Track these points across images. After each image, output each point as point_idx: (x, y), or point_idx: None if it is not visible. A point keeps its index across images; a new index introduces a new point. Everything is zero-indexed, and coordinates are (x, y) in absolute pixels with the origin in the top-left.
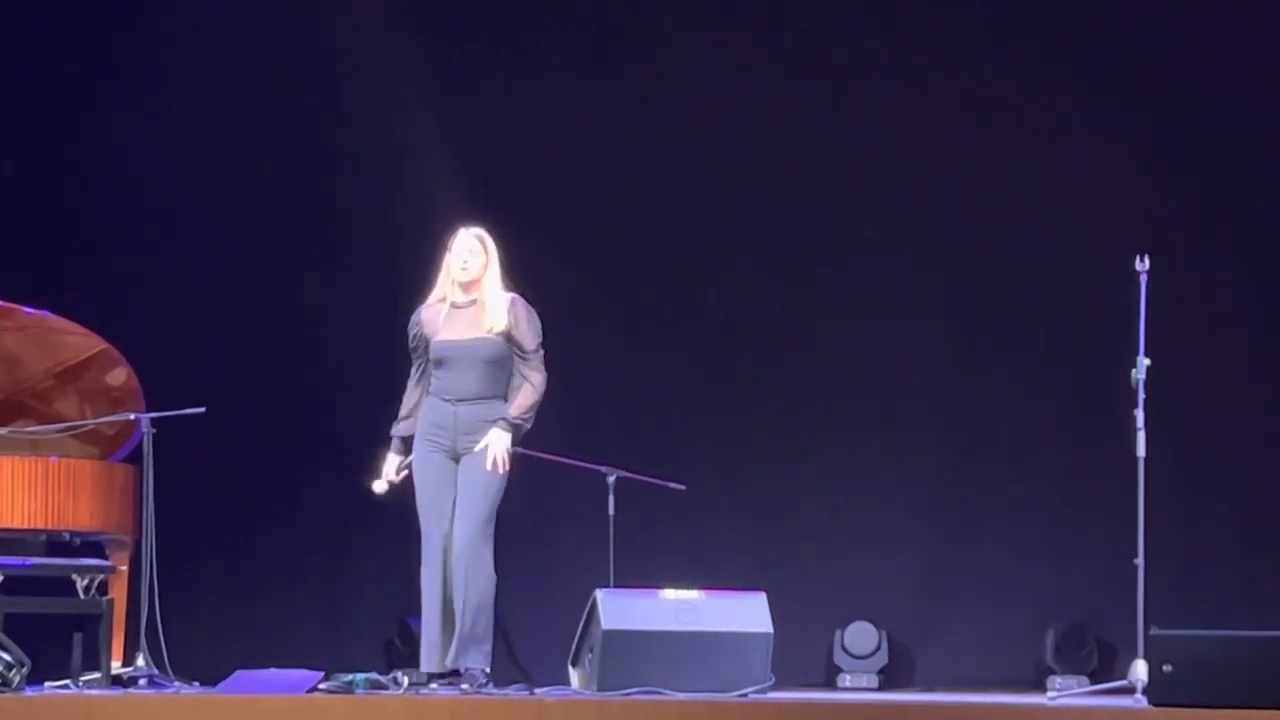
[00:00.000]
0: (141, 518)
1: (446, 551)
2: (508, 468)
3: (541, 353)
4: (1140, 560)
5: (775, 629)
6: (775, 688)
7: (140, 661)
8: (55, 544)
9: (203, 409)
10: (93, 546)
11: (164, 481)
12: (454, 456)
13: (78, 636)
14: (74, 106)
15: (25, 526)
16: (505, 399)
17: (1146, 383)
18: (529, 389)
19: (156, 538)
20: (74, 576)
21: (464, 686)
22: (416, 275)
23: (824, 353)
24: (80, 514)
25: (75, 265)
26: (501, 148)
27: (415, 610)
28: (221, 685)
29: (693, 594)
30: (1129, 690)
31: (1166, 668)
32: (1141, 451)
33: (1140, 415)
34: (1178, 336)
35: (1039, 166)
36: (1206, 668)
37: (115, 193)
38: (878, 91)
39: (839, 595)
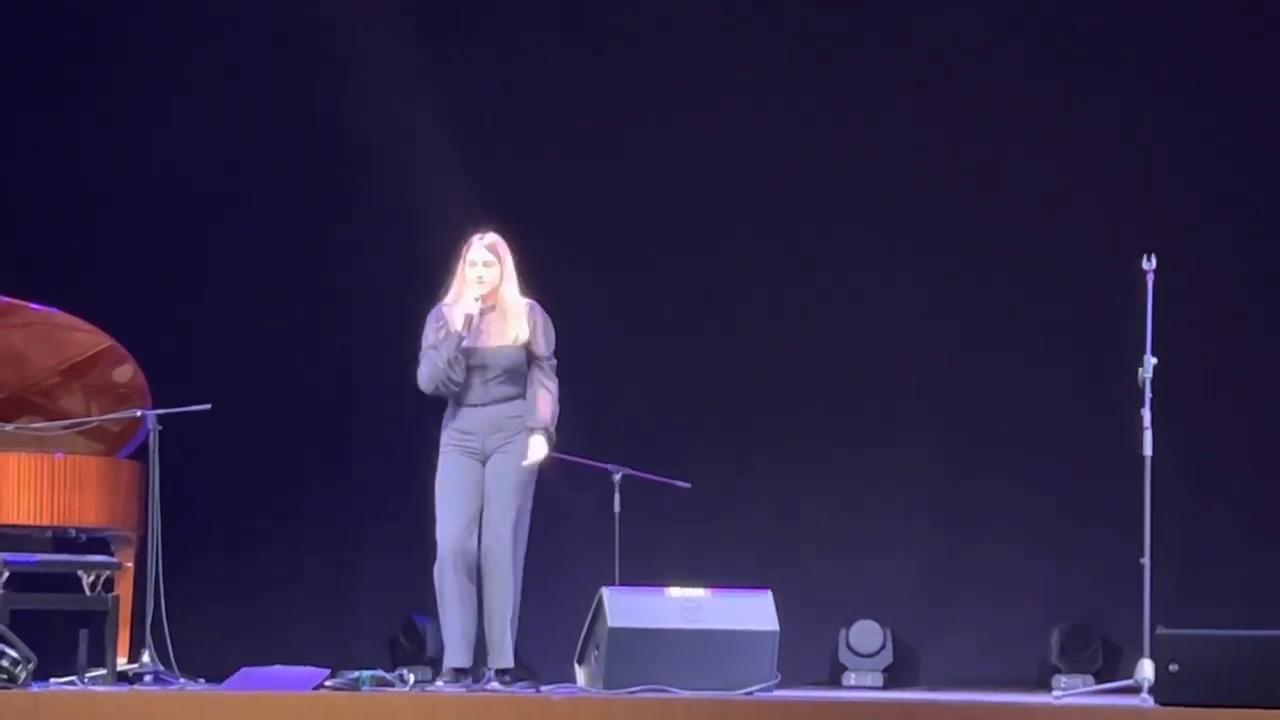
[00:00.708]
0: (147, 514)
1: (464, 550)
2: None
3: (554, 361)
4: (1146, 559)
5: (781, 627)
6: (780, 686)
7: (146, 658)
8: (61, 540)
9: (208, 406)
10: (98, 543)
11: (169, 478)
12: (482, 459)
13: (83, 633)
14: (80, 104)
15: (31, 523)
16: (524, 399)
17: (1154, 382)
18: (549, 396)
19: (162, 534)
20: (80, 573)
21: (494, 685)
22: (424, 275)
23: (829, 353)
24: (86, 510)
25: (81, 262)
26: (508, 149)
27: (420, 608)
28: (227, 682)
29: (699, 592)
30: (1135, 689)
31: (1173, 667)
32: (1148, 451)
33: (1147, 414)
34: (1182, 336)
35: (1041, 167)
36: (1212, 667)
37: (121, 190)
38: (879, 93)
39: (844, 594)
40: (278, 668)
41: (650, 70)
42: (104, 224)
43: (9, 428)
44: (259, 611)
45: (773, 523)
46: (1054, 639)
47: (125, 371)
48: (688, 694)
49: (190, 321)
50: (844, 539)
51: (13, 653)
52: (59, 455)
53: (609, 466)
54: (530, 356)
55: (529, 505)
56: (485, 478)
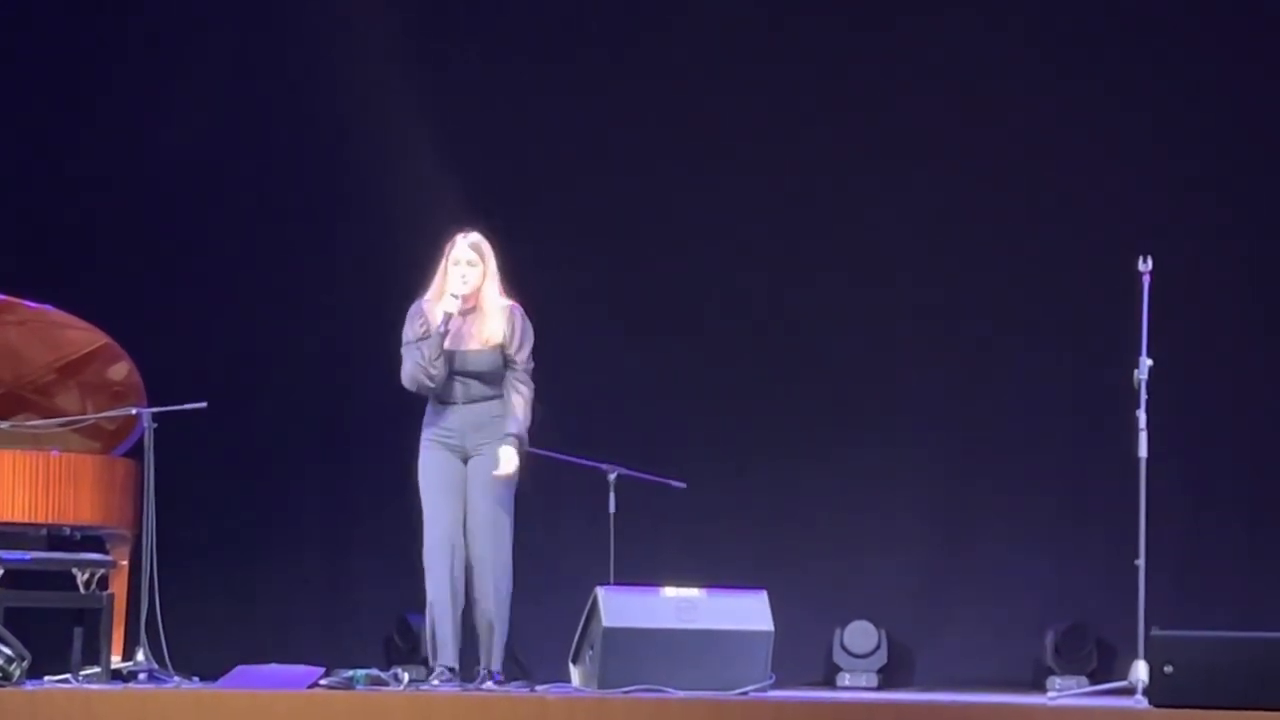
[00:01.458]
0: (142, 512)
1: (452, 547)
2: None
3: (531, 364)
4: (1141, 561)
5: (776, 627)
6: (775, 686)
7: (140, 656)
8: (56, 538)
9: (204, 404)
10: (93, 541)
11: (165, 476)
12: (463, 456)
13: (78, 631)
14: (76, 102)
15: (26, 520)
16: (503, 399)
17: (1149, 383)
18: (522, 401)
19: (157, 533)
20: (74, 571)
21: (488, 685)
22: (420, 275)
23: (825, 352)
24: (81, 508)
25: (77, 260)
26: (504, 148)
27: (414, 607)
28: (222, 681)
29: (694, 592)
30: (1129, 691)
31: (1168, 669)
32: (1143, 452)
33: (1142, 416)
34: (1178, 337)
35: (1040, 168)
36: (1207, 669)
37: (117, 188)
38: (878, 94)
39: (839, 594)
40: (272, 666)
41: (651, 70)
42: (100, 222)
43: (4, 425)
44: (254, 610)
45: (768, 523)
46: (1049, 640)
47: (121, 369)
48: (682, 694)
49: (186, 320)
50: (839, 539)
51: (7, 650)
52: (54, 453)
53: (604, 466)
54: (505, 360)
55: (511, 505)
56: (467, 476)
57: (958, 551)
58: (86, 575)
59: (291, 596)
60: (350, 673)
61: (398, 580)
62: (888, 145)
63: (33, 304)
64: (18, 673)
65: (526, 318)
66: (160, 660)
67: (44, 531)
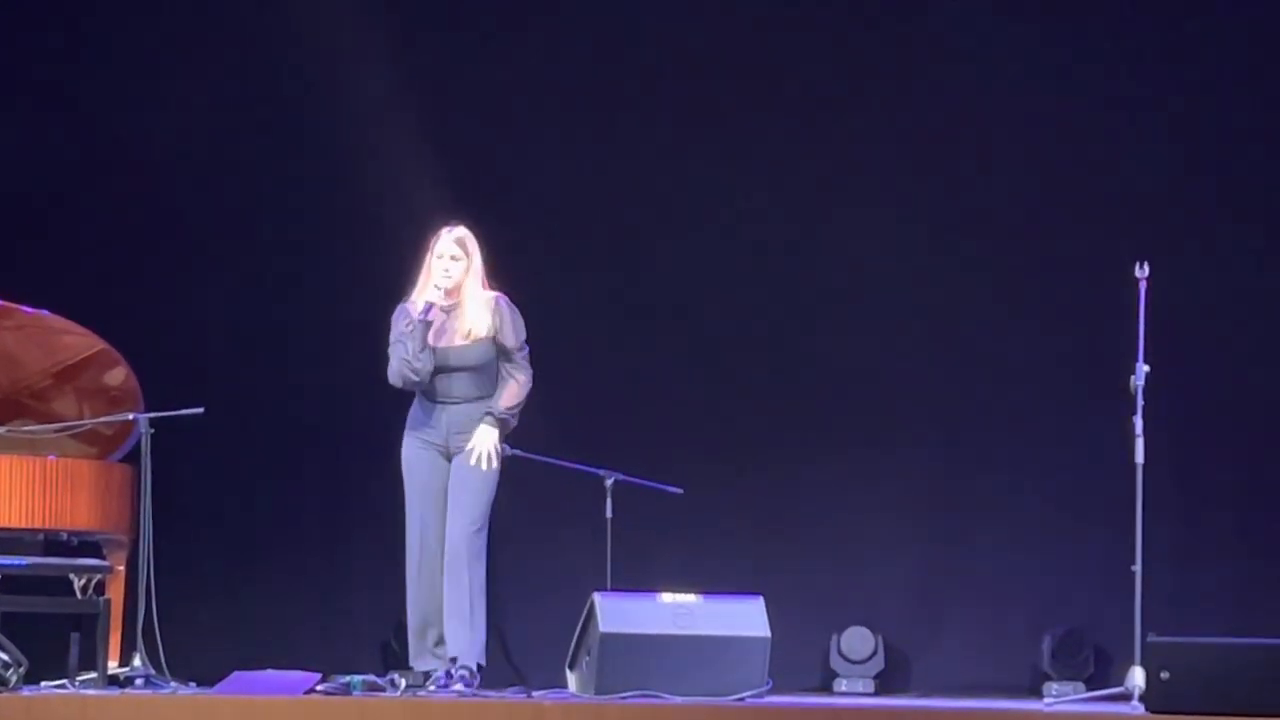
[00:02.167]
0: (139, 518)
1: (431, 546)
2: (496, 465)
3: (526, 350)
4: (1138, 567)
5: (773, 633)
6: (772, 692)
7: (137, 661)
8: (52, 543)
9: (201, 409)
10: (90, 546)
11: (162, 482)
12: (446, 455)
13: (75, 636)
14: (71, 105)
15: (23, 526)
16: (491, 399)
17: (1146, 389)
18: (515, 386)
19: (154, 538)
20: (71, 576)
21: (458, 687)
22: (415, 276)
23: (822, 357)
24: (78, 514)
25: (74, 264)
26: (499, 146)
27: None
28: (218, 686)
29: (690, 598)
30: (1126, 697)
31: (1164, 675)
32: (1140, 458)
33: (1139, 422)
34: (1176, 343)
35: (1039, 172)
36: (1204, 675)
37: (113, 192)
38: (876, 98)
39: (836, 600)
40: (269, 671)
41: (652, 70)
42: (96, 227)
43: (1, 430)
44: (250, 615)
45: (765, 528)
46: (1045, 646)
47: (118, 375)
48: (679, 700)
49: (183, 325)
50: (836, 545)
51: (4, 656)
52: (51, 458)
53: (600, 471)
54: (500, 350)
55: (490, 506)
56: (450, 474)
57: (955, 557)
58: (83, 580)
59: (288, 602)
60: (347, 678)
61: (394, 586)
62: (887, 149)
63: (29, 309)
64: (15, 679)
65: (513, 306)
66: (157, 665)
67: (41, 537)
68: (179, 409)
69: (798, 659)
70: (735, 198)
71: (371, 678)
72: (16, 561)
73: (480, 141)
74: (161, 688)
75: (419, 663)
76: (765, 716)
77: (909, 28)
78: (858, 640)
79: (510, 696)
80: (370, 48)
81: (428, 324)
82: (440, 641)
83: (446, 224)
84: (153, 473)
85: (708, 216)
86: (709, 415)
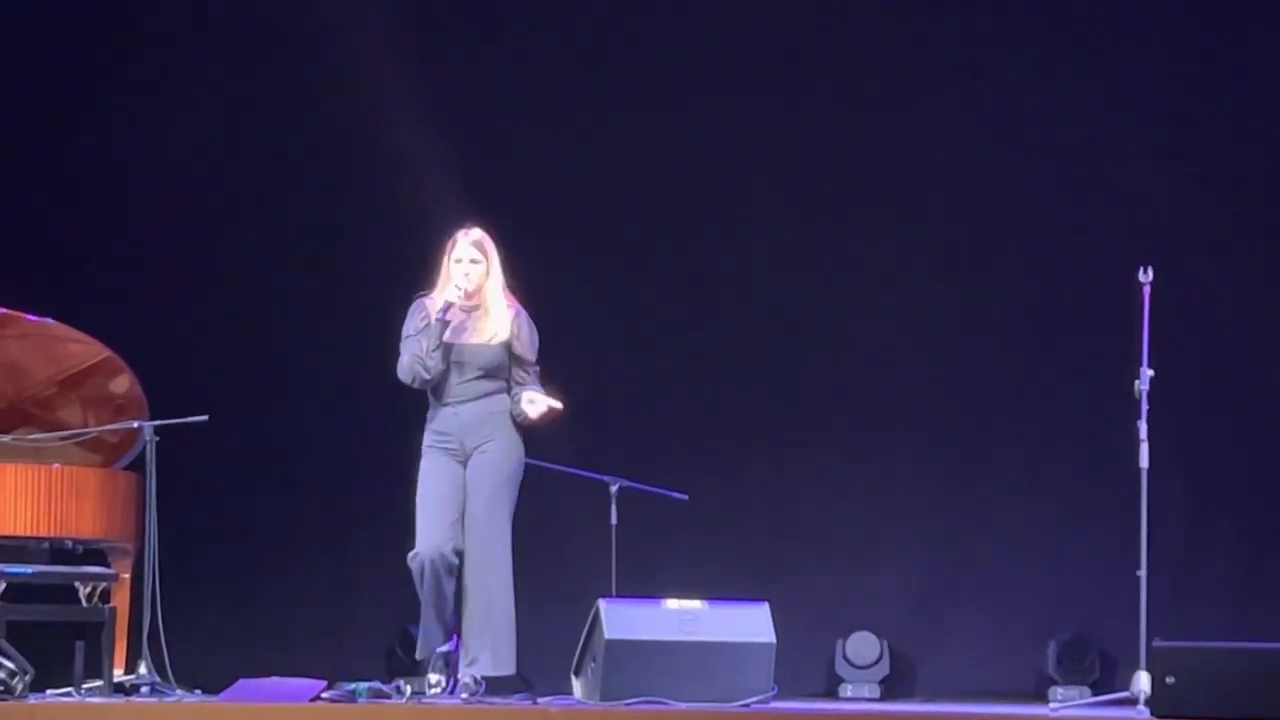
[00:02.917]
0: (144, 526)
1: (440, 556)
2: (556, 407)
3: (538, 368)
4: (1143, 571)
5: (777, 638)
6: (777, 698)
7: (142, 669)
8: (58, 552)
9: (205, 417)
10: (95, 554)
11: (166, 489)
12: (462, 460)
13: (80, 644)
14: (75, 112)
15: (28, 534)
16: (506, 394)
17: (1150, 394)
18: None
19: (159, 546)
20: (76, 584)
21: (464, 696)
22: (420, 283)
23: (826, 363)
24: (83, 522)
25: (78, 272)
26: (506, 153)
27: (417, 619)
28: (224, 694)
29: (695, 604)
30: (1131, 702)
31: (1169, 680)
32: (1145, 463)
33: (1143, 426)
34: (1180, 347)
35: (1043, 176)
36: (1209, 680)
37: (118, 200)
38: (884, 102)
39: (841, 605)
40: (274, 679)
41: (664, 79)
42: (100, 235)
43: (6, 439)
44: (256, 622)
45: (770, 534)
46: (1051, 650)
47: (122, 383)
48: (685, 706)
49: (187, 333)
50: (841, 550)
51: (9, 664)
52: (56, 466)
53: (605, 478)
54: (513, 359)
55: (512, 506)
56: (466, 478)
57: (960, 562)
58: (89, 589)
59: (294, 609)
60: (353, 685)
61: (400, 593)
62: (891, 155)
63: (34, 317)
64: (20, 687)
65: (532, 322)
66: (163, 673)
67: (46, 545)
68: (183, 417)
69: (803, 664)
70: (741, 205)
71: (377, 685)
72: (22, 570)
73: (489, 148)
74: (167, 696)
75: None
76: None
77: (916, 37)
78: (863, 645)
79: (516, 703)
80: (379, 49)
81: (445, 324)
82: (470, 662)
83: (463, 227)
84: (157, 480)
85: (715, 223)
86: (714, 422)
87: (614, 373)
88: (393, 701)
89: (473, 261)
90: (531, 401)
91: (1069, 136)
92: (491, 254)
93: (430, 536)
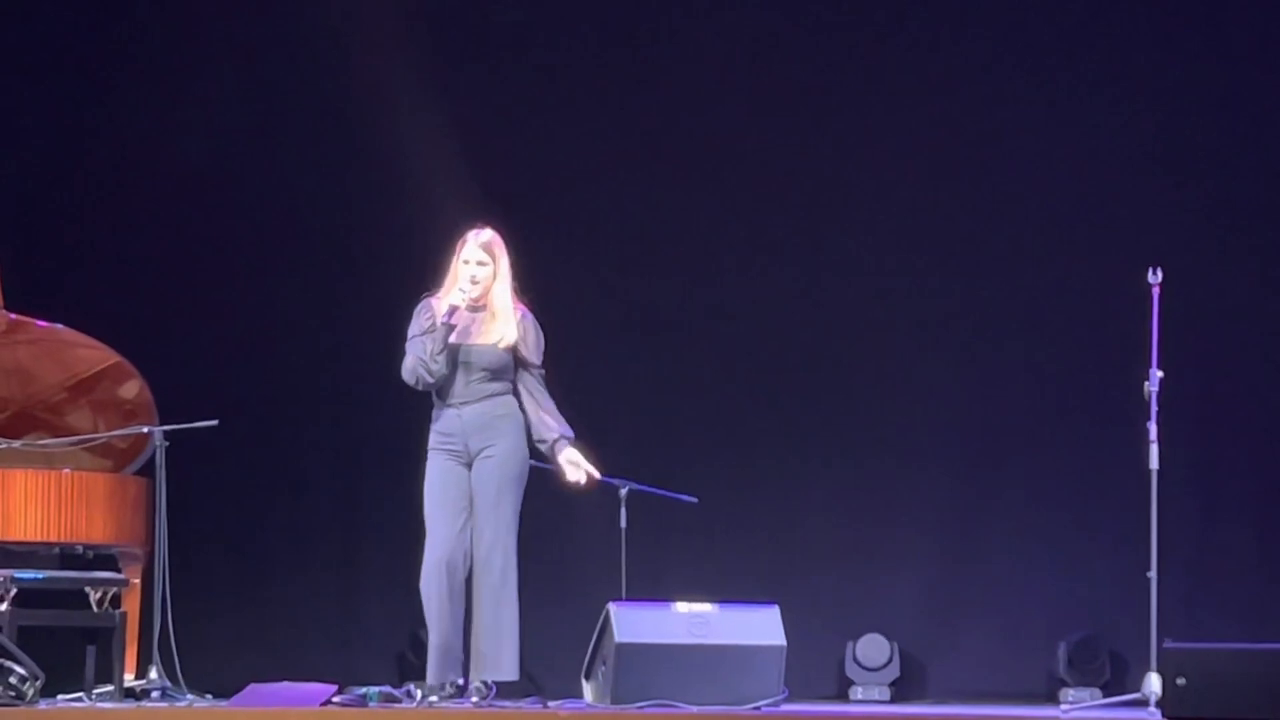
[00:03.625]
0: (154, 530)
1: (451, 561)
2: (595, 475)
3: (543, 371)
4: (1153, 573)
5: (788, 641)
6: (788, 700)
7: (153, 674)
8: (68, 557)
9: (215, 422)
10: (105, 559)
11: (177, 494)
12: (466, 462)
13: (91, 649)
14: (86, 117)
15: (38, 539)
16: (511, 395)
17: (1160, 395)
18: (549, 403)
19: (169, 550)
20: (87, 589)
21: (474, 699)
22: (430, 287)
23: (836, 366)
24: (93, 527)
25: (88, 278)
26: (515, 156)
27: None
28: (235, 698)
29: (706, 607)
30: (1142, 703)
31: (1180, 681)
32: (1155, 464)
33: (1153, 428)
34: (1190, 349)
35: (1050, 179)
36: (1220, 681)
37: (127, 206)
38: (887, 103)
39: (851, 608)
40: (285, 684)
41: (658, 73)
42: (110, 241)
43: (16, 444)
44: (266, 627)
45: (779, 537)
46: (1061, 652)
47: (132, 388)
48: (695, 709)
49: (197, 338)
50: (851, 553)
51: (20, 670)
52: (66, 471)
53: (615, 481)
54: (519, 363)
55: (518, 510)
56: (471, 481)
57: (970, 564)
58: (99, 594)
59: (304, 614)
60: (363, 690)
61: (410, 597)
62: (897, 156)
63: (43, 323)
64: (31, 692)
65: (538, 325)
66: (173, 678)
67: (56, 550)
68: (193, 422)
69: (813, 667)
70: (750, 209)
71: (388, 689)
72: (32, 575)
73: (498, 152)
74: (178, 700)
75: (435, 675)
76: None
77: (925, 36)
78: (873, 648)
79: (526, 707)
80: (388, 53)
81: (450, 327)
82: (466, 659)
83: (474, 227)
84: (167, 485)
85: (723, 228)
86: (724, 425)
87: (624, 376)
88: (403, 706)
89: (480, 264)
90: (573, 464)
91: (1076, 138)
92: (501, 256)
93: (442, 542)
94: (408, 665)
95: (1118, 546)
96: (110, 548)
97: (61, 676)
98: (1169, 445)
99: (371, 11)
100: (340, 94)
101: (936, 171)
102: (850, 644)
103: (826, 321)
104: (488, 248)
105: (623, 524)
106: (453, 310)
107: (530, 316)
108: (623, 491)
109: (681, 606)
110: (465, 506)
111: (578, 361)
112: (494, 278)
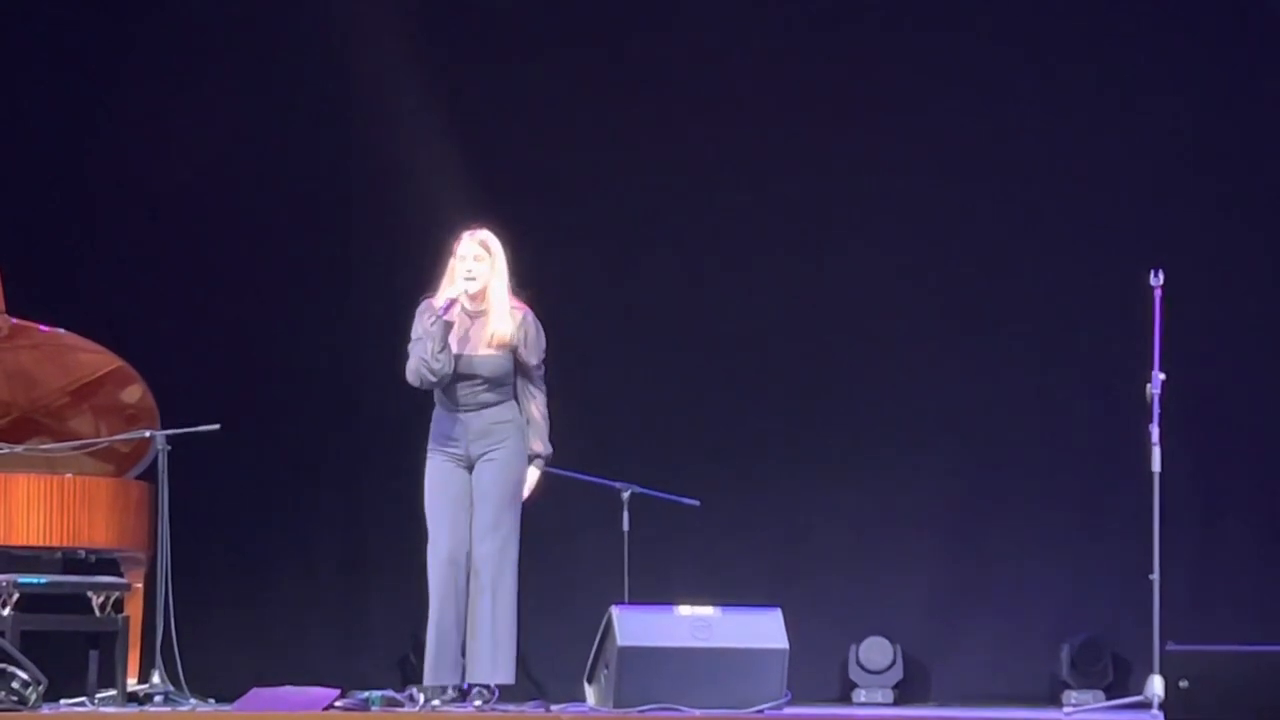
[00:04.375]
0: (157, 535)
1: (454, 561)
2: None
3: (542, 369)
4: (1156, 575)
5: (790, 644)
6: (791, 704)
7: (156, 679)
8: (71, 561)
9: (217, 426)
10: (108, 564)
11: (179, 498)
12: (467, 465)
13: (93, 654)
14: (88, 121)
15: (41, 544)
16: (512, 401)
17: (1162, 397)
18: (539, 414)
19: (172, 555)
20: (89, 594)
21: (476, 703)
22: (431, 288)
23: (838, 369)
24: (95, 531)
25: (90, 282)
26: (516, 156)
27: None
28: (237, 703)
29: (708, 610)
30: (1145, 705)
31: (1183, 683)
32: (1157, 466)
33: (1155, 430)
34: (1193, 351)
35: (1052, 182)
36: (1223, 684)
37: (129, 209)
38: (890, 106)
39: (854, 610)
40: (288, 688)
41: (659, 74)
42: (112, 245)
43: (18, 449)
44: (269, 632)
45: (782, 540)
46: (1064, 655)
47: (134, 392)
48: (698, 712)
49: (199, 342)
50: (853, 556)
51: (23, 674)
52: (68, 476)
53: (617, 484)
54: (519, 367)
55: (518, 514)
56: (472, 483)
57: (973, 566)
58: (101, 598)
59: (307, 618)
60: (366, 694)
61: (413, 600)
62: (897, 158)
63: (45, 327)
64: (34, 697)
65: (539, 323)
66: (176, 683)
67: (59, 555)
68: (195, 426)
69: (816, 670)
70: (753, 210)
71: (390, 693)
72: (35, 580)
73: (499, 153)
74: (180, 705)
75: (437, 678)
76: None
77: (927, 37)
78: (876, 651)
79: (529, 710)
80: (388, 54)
81: (448, 323)
82: (462, 658)
83: (469, 227)
84: (170, 489)
85: (726, 230)
86: (726, 427)
87: (626, 379)
88: (406, 710)
89: (476, 259)
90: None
91: (1078, 140)
92: (497, 253)
93: (445, 541)
94: (410, 669)
95: (1120, 549)
96: (112, 552)
97: (64, 681)
98: (1171, 447)
99: (372, 12)
100: (342, 96)
101: (939, 174)
102: (853, 647)
103: (828, 323)
104: (484, 244)
105: (625, 527)
106: (449, 304)
107: (532, 316)
108: (625, 494)
109: (684, 610)
110: (466, 506)
111: (579, 363)
112: (491, 273)
